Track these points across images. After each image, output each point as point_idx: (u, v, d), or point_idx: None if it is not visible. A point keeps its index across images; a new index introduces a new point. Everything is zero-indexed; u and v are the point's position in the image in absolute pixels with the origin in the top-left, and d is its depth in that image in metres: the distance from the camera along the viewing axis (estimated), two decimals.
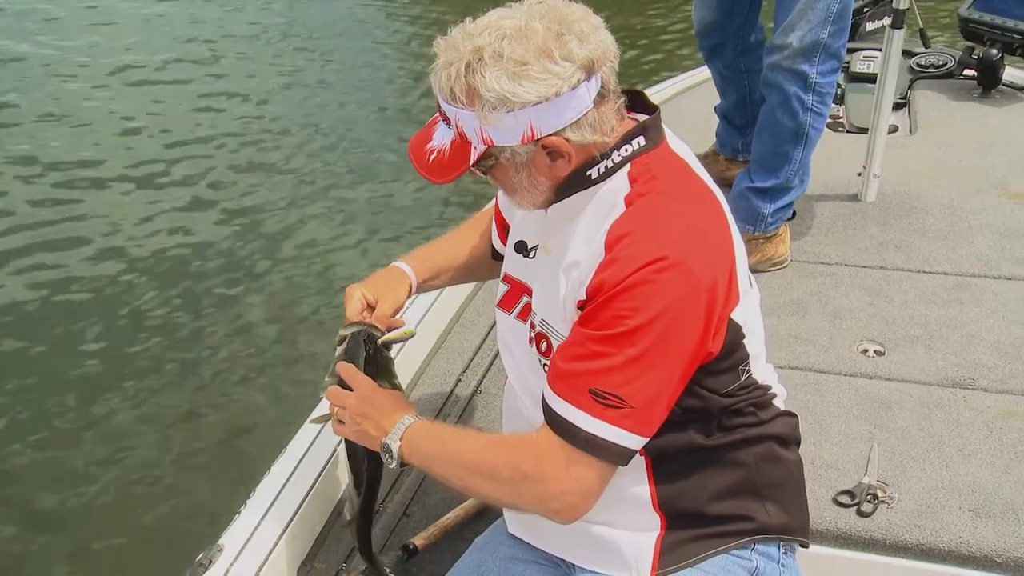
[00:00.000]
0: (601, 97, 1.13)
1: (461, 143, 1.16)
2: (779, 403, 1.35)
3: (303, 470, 1.72)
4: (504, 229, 1.52)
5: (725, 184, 2.57)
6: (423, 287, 1.56)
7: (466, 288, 2.43)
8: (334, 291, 4.13)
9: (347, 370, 1.36)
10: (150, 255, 4.42)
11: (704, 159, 2.89)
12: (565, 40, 1.09)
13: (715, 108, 2.94)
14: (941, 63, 3.90)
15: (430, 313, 2.22)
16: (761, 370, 1.30)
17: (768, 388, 1.32)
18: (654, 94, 3.70)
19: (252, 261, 4.39)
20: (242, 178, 5.21)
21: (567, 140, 1.13)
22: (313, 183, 5.20)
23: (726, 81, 2.81)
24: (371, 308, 1.47)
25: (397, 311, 1.50)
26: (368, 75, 6.96)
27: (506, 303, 1.37)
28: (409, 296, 1.54)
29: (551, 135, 1.12)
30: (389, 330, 1.44)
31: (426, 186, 4.88)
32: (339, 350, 1.41)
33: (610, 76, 1.14)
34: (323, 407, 1.43)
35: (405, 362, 2.01)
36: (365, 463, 1.44)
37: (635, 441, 1.13)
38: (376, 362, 1.41)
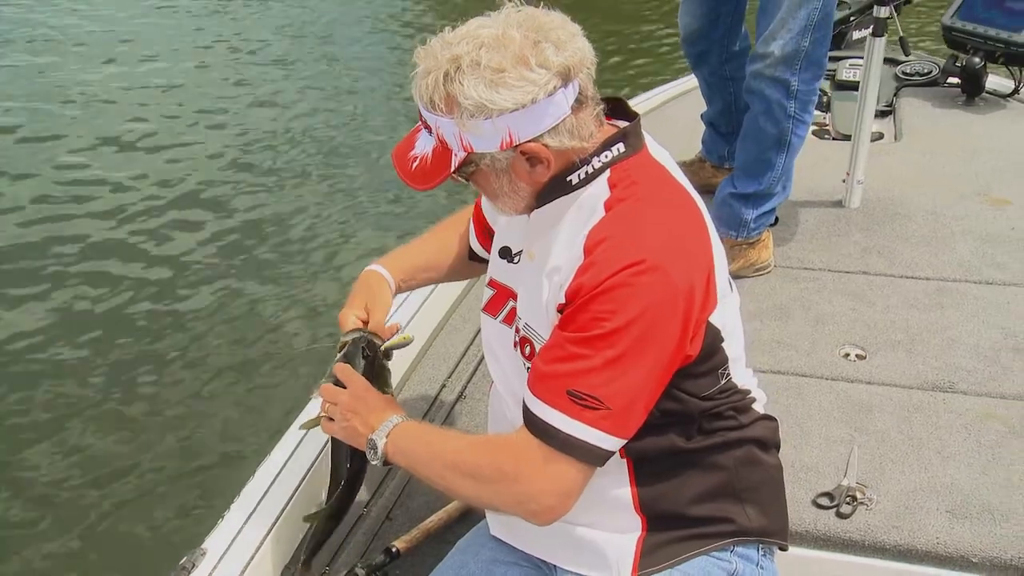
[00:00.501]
0: (579, 103, 1.15)
1: (442, 150, 1.17)
2: (759, 407, 1.36)
3: (287, 473, 1.73)
4: (484, 232, 1.53)
5: (711, 191, 2.61)
6: (401, 288, 1.57)
7: (452, 294, 2.45)
8: (325, 298, 4.13)
9: (343, 370, 1.38)
10: (145, 258, 4.43)
11: (690, 166, 2.92)
12: (542, 48, 1.10)
13: (701, 115, 2.96)
14: (926, 71, 3.94)
15: (416, 318, 2.23)
16: (740, 374, 1.31)
17: (748, 392, 1.33)
18: (641, 102, 3.73)
19: (244, 269, 4.39)
20: (242, 182, 5.25)
21: (546, 146, 1.15)
22: (310, 190, 5.22)
23: (712, 88, 2.83)
24: (366, 324, 1.49)
25: (387, 316, 1.52)
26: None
27: (492, 308, 1.38)
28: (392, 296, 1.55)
29: (530, 141, 1.14)
30: (388, 338, 1.46)
31: (417, 194, 4.90)
32: (338, 356, 1.43)
33: (588, 83, 1.16)
34: (312, 411, 1.43)
35: (391, 367, 2.02)
36: (348, 463, 1.45)
37: (612, 443, 1.15)
38: (373, 367, 1.42)
